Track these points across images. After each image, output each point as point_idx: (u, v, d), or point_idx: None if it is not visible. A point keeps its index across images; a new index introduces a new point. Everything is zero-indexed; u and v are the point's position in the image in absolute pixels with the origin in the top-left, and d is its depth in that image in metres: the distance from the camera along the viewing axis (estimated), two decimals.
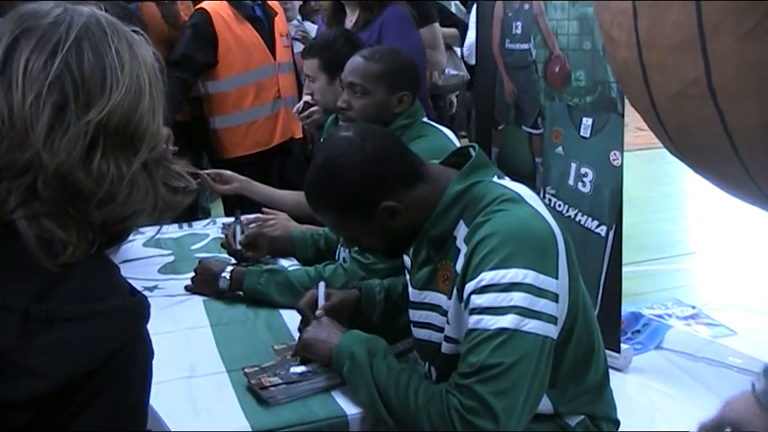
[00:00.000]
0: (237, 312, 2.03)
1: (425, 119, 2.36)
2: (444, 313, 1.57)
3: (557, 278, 1.44)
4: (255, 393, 1.57)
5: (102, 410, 0.92)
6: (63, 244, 0.89)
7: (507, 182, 1.60)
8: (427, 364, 1.67)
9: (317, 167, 1.60)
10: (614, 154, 2.83)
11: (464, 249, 1.50)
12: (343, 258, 2.16)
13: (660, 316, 3.42)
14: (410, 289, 1.71)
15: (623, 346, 2.96)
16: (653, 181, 6.15)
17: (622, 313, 3.01)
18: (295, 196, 2.81)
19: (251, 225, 2.53)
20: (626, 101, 2.72)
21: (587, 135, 2.92)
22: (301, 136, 3.70)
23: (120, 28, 0.97)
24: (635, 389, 2.80)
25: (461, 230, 1.54)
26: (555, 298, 1.43)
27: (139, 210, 0.96)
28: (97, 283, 0.94)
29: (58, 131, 0.88)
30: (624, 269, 2.94)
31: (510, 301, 1.39)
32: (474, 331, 1.41)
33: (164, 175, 0.98)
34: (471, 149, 1.65)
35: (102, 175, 0.90)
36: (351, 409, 1.54)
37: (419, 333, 1.68)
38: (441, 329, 1.59)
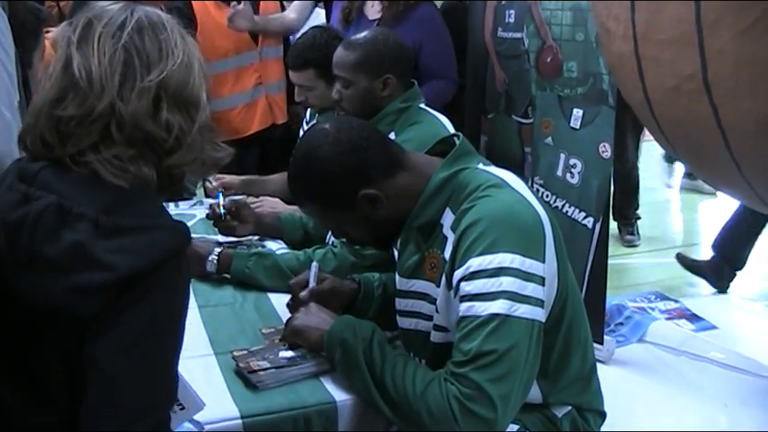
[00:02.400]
0: (225, 294, 2.03)
1: (423, 105, 2.34)
2: (432, 301, 1.57)
3: (543, 262, 1.46)
4: (244, 377, 1.57)
5: (149, 308, 1.10)
6: (133, 171, 1.14)
7: (492, 168, 1.61)
8: (412, 354, 1.66)
9: (296, 161, 1.61)
10: (604, 146, 2.83)
11: (451, 237, 1.51)
12: (332, 243, 2.16)
13: (643, 309, 3.44)
14: (397, 278, 1.71)
15: (606, 338, 2.98)
16: None
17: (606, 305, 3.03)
18: (279, 177, 2.81)
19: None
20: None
21: (577, 126, 2.93)
22: (284, 121, 3.64)
23: (173, 22, 1.23)
24: (617, 381, 2.81)
25: (448, 218, 1.54)
26: (541, 282, 1.44)
27: (198, 160, 1.21)
28: (153, 206, 1.17)
29: (127, 87, 1.14)
30: (608, 261, 2.95)
31: (499, 286, 1.40)
32: (466, 318, 1.42)
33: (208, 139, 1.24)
34: (456, 138, 1.65)
35: (170, 126, 1.16)
36: (340, 396, 1.54)
37: (405, 323, 1.68)
38: (429, 318, 1.59)
